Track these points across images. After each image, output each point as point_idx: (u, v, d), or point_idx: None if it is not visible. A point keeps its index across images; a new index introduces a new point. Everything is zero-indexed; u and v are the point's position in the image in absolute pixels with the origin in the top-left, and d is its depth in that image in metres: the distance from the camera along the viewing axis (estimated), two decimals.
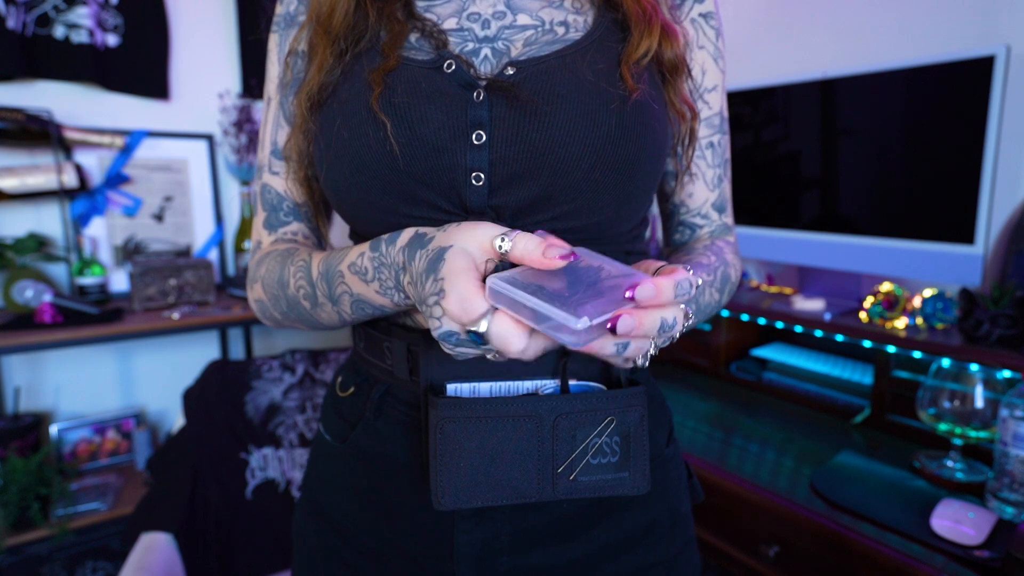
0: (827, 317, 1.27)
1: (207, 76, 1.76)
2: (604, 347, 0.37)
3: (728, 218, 0.62)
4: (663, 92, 0.52)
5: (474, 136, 0.45)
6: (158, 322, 1.40)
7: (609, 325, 0.35)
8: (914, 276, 1.20)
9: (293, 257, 0.52)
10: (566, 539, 0.51)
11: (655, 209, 0.65)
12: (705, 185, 0.60)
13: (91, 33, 1.52)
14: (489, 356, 0.39)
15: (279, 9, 0.58)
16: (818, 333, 1.32)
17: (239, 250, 1.76)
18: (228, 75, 1.79)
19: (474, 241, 0.38)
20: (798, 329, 1.36)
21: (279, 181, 0.58)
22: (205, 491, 1.29)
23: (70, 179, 1.47)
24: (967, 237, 1.10)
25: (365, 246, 0.45)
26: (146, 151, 1.66)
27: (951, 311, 1.16)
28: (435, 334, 0.39)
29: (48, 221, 1.55)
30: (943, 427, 1.04)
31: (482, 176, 0.45)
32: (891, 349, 1.19)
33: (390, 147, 0.45)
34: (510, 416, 0.42)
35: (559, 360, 0.48)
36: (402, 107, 0.45)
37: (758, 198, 1.48)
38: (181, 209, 1.73)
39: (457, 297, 0.37)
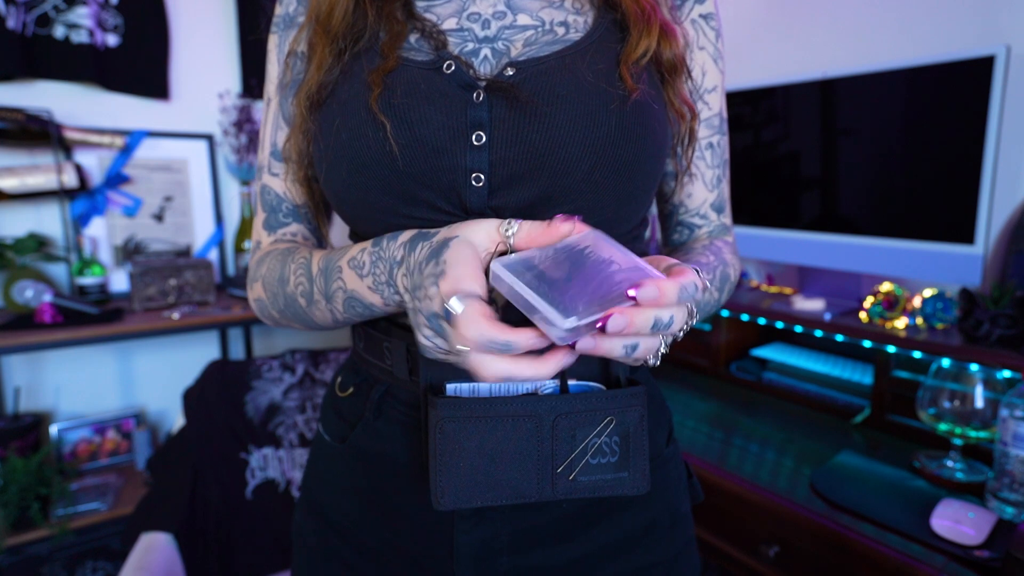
0: (827, 317, 1.27)
1: (207, 76, 1.76)
2: (613, 349, 0.36)
3: (726, 218, 0.63)
4: (663, 92, 0.52)
5: (474, 137, 0.45)
6: (158, 322, 1.40)
7: (599, 324, 0.34)
8: (914, 276, 1.20)
9: (295, 255, 0.53)
10: (566, 539, 0.51)
11: (653, 209, 0.65)
12: (704, 186, 0.60)
13: (91, 33, 1.52)
14: (452, 359, 0.39)
15: (278, 10, 0.58)
16: (818, 333, 1.32)
17: (239, 250, 1.76)
18: (228, 75, 1.79)
19: (480, 230, 0.40)
20: (798, 329, 1.36)
21: (278, 182, 0.58)
22: (205, 491, 1.29)
23: (70, 179, 1.47)
24: (967, 237, 1.10)
25: (368, 243, 0.46)
26: (146, 151, 1.66)
27: (951, 311, 1.16)
28: (423, 315, 0.39)
29: (48, 221, 1.55)
30: (943, 427, 1.04)
31: (482, 177, 0.45)
32: (891, 349, 1.19)
33: (389, 148, 0.45)
34: (509, 416, 0.42)
35: None
36: (401, 108, 0.45)
37: (758, 198, 1.48)
38: (181, 209, 1.73)
39: (454, 276, 0.37)
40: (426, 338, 0.40)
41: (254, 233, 0.60)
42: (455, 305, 0.36)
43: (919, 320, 1.20)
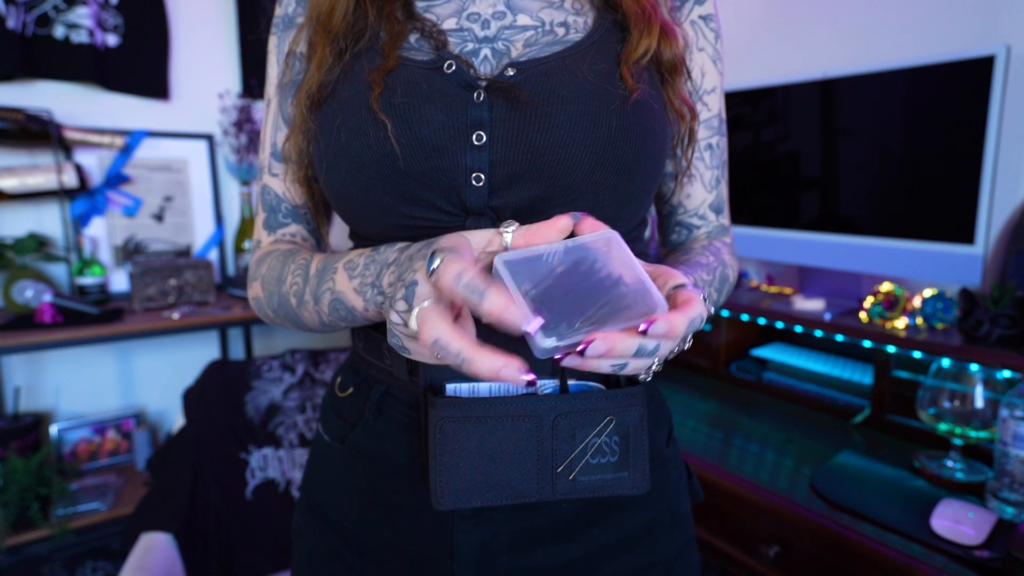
0: (827, 317, 1.27)
1: (207, 76, 1.76)
2: (600, 365, 0.36)
3: (725, 219, 0.63)
4: (663, 93, 0.52)
5: (474, 137, 0.45)
6: (158, 322, 1.40)
7: (580, 348, 0.34)
8: (914, 276, 1.20)
9: (296, 256, 0.53)
10: (566, 539, 0.51)
11: (652, 209, 0.66)
12: (703, 186, 0.60)
13: (91, 33, 1.52)
14: (407, 344, 0.39)
15: (278, 11, 0.58)
16: (818, 333, 1.32)
17: (239, 250, 1.76)
18: (228, 75, 1.79)
19: (478, 231, 0.41)
20: (798, 329, 1.36)
21: (278, 183, 0.58)
22: (205, 491, 1.29)
23: (70, 179, 1.47)
24: (967, 237, 1.10)
25: (369, 248, 0.46)
26: (146, 151, 1.66)
27: (951, 311, 1.16)
28: (399, 298, 0.38)
29: (48, 221, 1.55)
30: (943, 427, 1.04)
31: (482, 177, 0.45)
32: (891, 349, 1.19)
33: (390, 147, 0.45)
34: (509, 416, 0.42)
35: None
36: (402, 107, 0.45)
37: (758, 198, 1.48)
38: (181, 209, 1.73)
39: (444, 243, 0.37)
40: (394, 335, 0.39)
41: (255, 233, 0.61)
42: (436, 260, 0.35)
43: (919, 320, 1.20)
